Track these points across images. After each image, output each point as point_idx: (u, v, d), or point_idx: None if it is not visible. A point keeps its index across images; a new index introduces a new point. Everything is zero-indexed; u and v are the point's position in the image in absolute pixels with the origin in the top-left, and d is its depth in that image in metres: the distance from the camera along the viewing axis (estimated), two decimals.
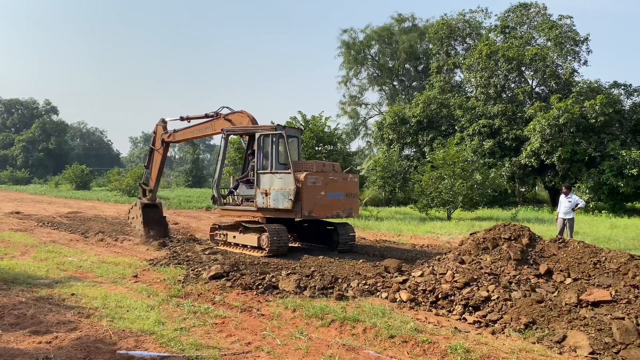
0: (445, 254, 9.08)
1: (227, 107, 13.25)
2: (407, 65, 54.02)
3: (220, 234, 12.99)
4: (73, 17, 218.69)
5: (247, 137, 13.12)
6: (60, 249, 12.08)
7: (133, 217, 14.95)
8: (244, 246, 11.99)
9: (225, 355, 5.19)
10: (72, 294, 7.50)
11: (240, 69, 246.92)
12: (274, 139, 11.68)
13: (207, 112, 13.61)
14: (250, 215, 12.08)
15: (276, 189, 11.32)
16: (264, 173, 11.65)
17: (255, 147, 11.97)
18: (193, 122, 14.23)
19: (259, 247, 11.41)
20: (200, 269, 9.43)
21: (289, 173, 11.09)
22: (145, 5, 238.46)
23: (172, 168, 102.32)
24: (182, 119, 14.25)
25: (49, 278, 8.68)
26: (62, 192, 46.44)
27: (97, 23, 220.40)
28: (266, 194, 11.48)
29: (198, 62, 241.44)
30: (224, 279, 8.66)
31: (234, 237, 12.35)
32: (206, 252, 11.45)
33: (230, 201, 13.10)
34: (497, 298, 6.79)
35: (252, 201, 11.98)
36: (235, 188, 13.05)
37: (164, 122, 14.66)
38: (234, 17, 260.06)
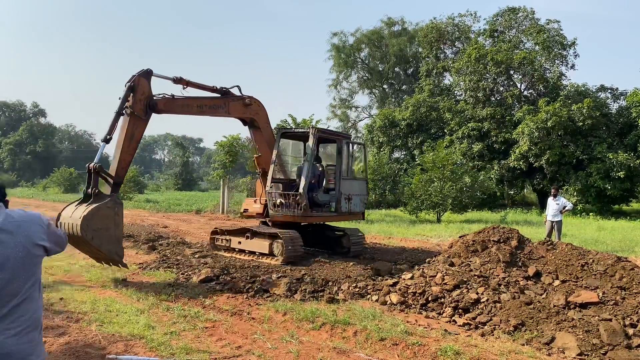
0: (435, 256, 9.13)
1: (238, 87, 11.27)
2: (396, 69, 54.28)
3: (222, 240, 12.29)
4: (62, 18, 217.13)
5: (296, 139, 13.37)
6: None
7: (101, 228, 8.23)
8: (252, 253, 11.42)
9: (216, 359, 5.18)
10: (61, 299, 7.43)
11: (230, 71, 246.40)
12: (355, 147, 12.21)
13: (214, 85, 10.87)
14: (330, 219, 12.15)
15: (356, 193, 12.11)
16: (347, 179, 12.13)
17: (342, 153, 12.00)
18: (193, 92, 10.72)
19: (270, 254, 10.93)
20: (190, 273, 9.39)
21: (364, 179, 12.47)
22: (135, 6, 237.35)
23: (162, 171, 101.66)
24: (175, 81, 10.30)
25: None
26: (50, 195, 45.95)
27: (86, 24, 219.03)
28: (349, 199, 11.90)
29: (187, 64, 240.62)
30: (214, 282, 8.63)
31: (239, 242, 11.75)
32: (196, 256, 11.39)
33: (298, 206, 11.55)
34: (487, 300, 6.84)
35: (327, 206, 11.83)
36: (295, 192, 11.57)
37: (149, 74, 9.56)
38: (224, 19, 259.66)
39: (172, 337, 5.79)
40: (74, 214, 8.23)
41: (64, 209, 8.65)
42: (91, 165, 8.74)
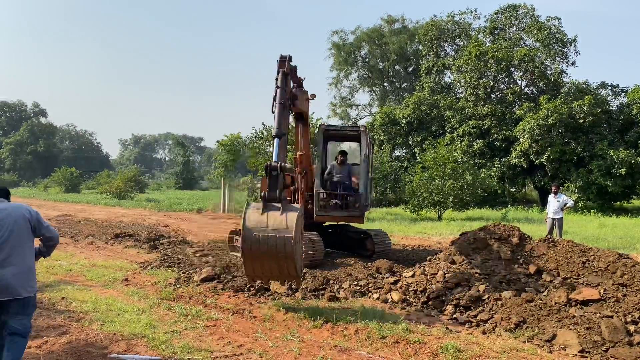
0: (436, 254, 9.12)
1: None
2: (397, 67, 54.25)
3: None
4: (62, 18, 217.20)
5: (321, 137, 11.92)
6: None
7: (299, 241, 6.89)
8: None
9: (217, 357, 5.18)
10: (62, 298, 7.44)
11: (231, 70, 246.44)
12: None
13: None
14: (356, 219, 11.92)
15: (368, 192, 11.79)
16: (369, 178, 11.86)
17: (373, 151, 11.93)
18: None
19: None
20: (191, 272, 9.38)
21: (371, 178, 11.77)
22: (134, 7, 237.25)
23: (163, 170, 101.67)
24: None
25: (38, 282, 8.56)
26: (51, 195, 46.01)
27: (86, 24, 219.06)
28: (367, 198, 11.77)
29: (186, 63, 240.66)
30: (215, 281, 8.62)
31: None
32: (197, 255, 11.40)
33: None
34: (488, 298, 6.84)
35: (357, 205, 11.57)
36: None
37: (290, 61, 8.40)
38: (223, 18, 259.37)
39: (174, 336, 5.79)
40: (272, 224, 6.38)
41: (245, 217, 6.47)
42: (275, 163, 6.79)
